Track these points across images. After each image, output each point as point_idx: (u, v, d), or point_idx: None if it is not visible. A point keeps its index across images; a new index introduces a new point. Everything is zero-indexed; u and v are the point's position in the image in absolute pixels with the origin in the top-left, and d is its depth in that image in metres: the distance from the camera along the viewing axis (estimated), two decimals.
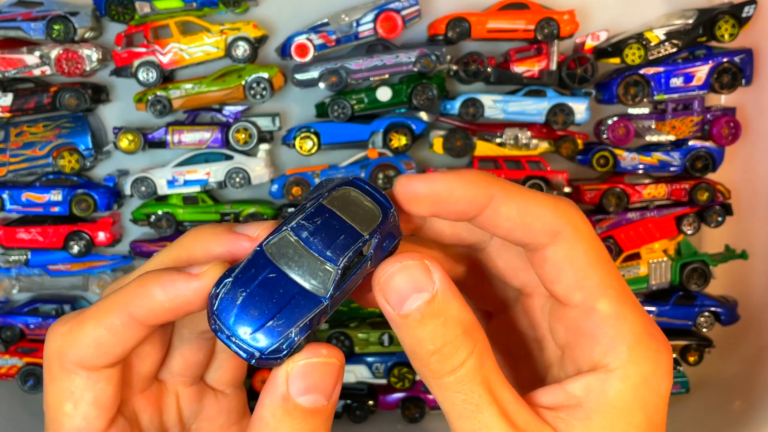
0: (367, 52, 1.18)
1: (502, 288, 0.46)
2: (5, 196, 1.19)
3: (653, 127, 1.21)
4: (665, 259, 1.22)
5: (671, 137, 1.21)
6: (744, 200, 1.23)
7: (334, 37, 1.17)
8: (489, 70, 1.17)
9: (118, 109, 1.24)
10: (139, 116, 1.21)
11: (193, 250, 0.41)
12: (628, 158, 1.21)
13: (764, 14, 1.16)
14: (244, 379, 0.49)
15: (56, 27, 1.13)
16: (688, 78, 1.18)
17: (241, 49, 1.16)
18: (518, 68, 1.18)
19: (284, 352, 0.36)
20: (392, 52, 1.17)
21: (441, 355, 0.36)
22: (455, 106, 1.18)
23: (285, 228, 0.38)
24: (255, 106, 1.23)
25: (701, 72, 1.18)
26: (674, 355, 1.24)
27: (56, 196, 1.20)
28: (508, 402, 0.37)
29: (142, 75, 1.16)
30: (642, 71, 1.17)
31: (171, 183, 1.20)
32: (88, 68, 1.14)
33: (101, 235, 1.20)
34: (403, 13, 1.16)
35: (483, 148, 1.20)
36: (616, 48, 1.17)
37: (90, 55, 1.14)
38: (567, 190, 1.22)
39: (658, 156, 1.22)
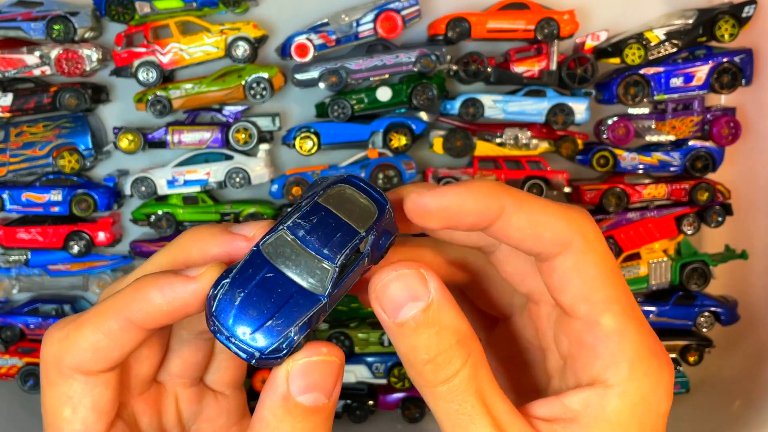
0: (367, 52, 1.18)
1: (509, 293, 0.46)
2: (5, 196, 1.19)
3: (653, 127, 1.21)
4: (665, 259, 1.22)
5: (671, 137, 1.21)
6: (744, 200, 1.23)
7: (334, 37, 1.17)
8: (489, 70, 1.17)
9: (118, 109, 1.24)
10: (139, 116, 1.21)
11: (189, 251, 0.41)
12: (628, 158, 1.21)
13: (764, 14, 1.16)
14: (243, 380, 0.49)
15: (56, 27, 1.13)
16: (688, 78, 1.18)
17: (241, 49, 1.16)
18: (518, 68, 1.18)
19: (284, 352, 0.36)
20: (392, 52, 1.17)
21: (435, 364, 0.36)
22: (455, 106, 1.18)
23: (281, 227, 0.38)
24: (255, 106, 1.23)
25: (701, 72, 1.18)
26: (674, 355, 1.24)
27: (56, 196, 1.20)
28: (502, 413, 0.37)
29: (142, 75, 1.16)
30: (642, 71, 1.17)
31: (171, 183, 1.20)
32: (88, 68, 1.14)
33: (101, 235, 1.20)
34: (403, 13, 1.16)
35: (483, 148, 1.20)
36: (616, 48, 1.17)
37: (90, 55, 1.14)
38: (567, 190, 1.22)
39: (658, 156, 1.22)
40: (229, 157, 1.21)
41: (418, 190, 0.38)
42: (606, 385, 0.37)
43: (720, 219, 1.22)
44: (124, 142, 1.18)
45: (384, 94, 1.19)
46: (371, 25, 1.16)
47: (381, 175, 1.19)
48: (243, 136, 1.19)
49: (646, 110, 1.22)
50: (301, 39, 1.16)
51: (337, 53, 1.19)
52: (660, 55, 1.17)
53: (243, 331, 0.36)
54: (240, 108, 1.20)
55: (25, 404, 1.21)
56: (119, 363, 0.40)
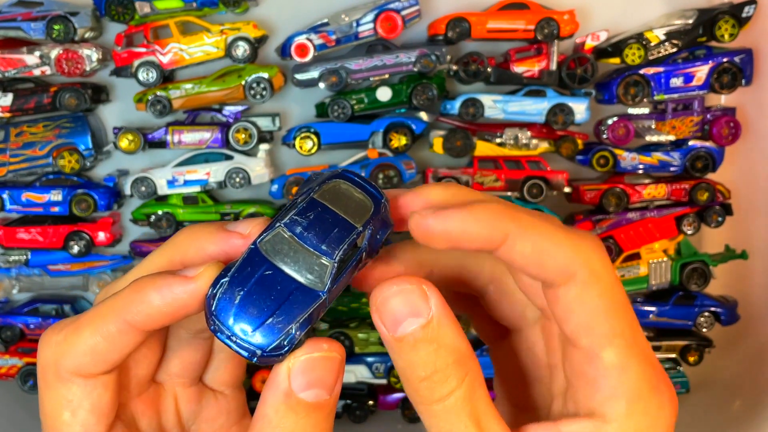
0: (367, 52, 1.18)
1: (523, 305, 0.45)
2: (5, 196, 1.19)
3: (653, 127, 1.21)
4: (665, 259, 1.22)
5: (671, 137, 1.21)
6: (744, 200, 1.23)
7: (334, 37, 1.17)
8: (489, 70, 1.17)
9: (118, 109, 1.24)
10: (139, 116, 1.21)
11: (185, 250, 0.41)
12: (628, 158, 1.21)
13: (764, 14, 1.16)
14: (243, 379, 0.49)
15: (56, 27, 1.13)
16: (688, 78, 1.18)
17: (241, 49, 1.16)
18: (518, 68, 1.18)
19: (285, 349, 0.36)
20: (392, 52, 1.17)
21: (431, 382, 0.36)
22: (455, 106, 1.18)
23: (278, 224, 0.38)
24: (255, 106, 1.23)
25: (701, 72, 1.18)
26: (674, 355, 1.24)
27: (56, 196, 1.20)
28: None
29: (142, 75, 1.16)
30: (642, 71, 1.17)
31: (171, 183, 1.20)
32: (88, 68, 1.14)
33: (101, 235, 1.20)
34: (403, 13, 1.16)
35: (483, 148, 1.20)
36: (616, 48, 1.17)
37: (90, 55, 1.14)
38: (567, 190, 1.22)
39: (658, 156, 1.22)
40: (229, 157, 1.21)
41: (421, 212, 0.37)
42: (604, 420, 0.37)
43: (720, 219, 1.22)
44: (124, 142, 1.18)
45: (384, 94, 1.19)
46: (371, 25, 1.16)
47: (381, 175, 1.19)
48: (243, 136, 1.19)
49: (646, 110, 1.22)
50: (301, 39, 1.16)
51: (337, 53, 1.19)
52: (660, 55, 1.17)
53: (244, 330, 0.36)
54: (240, 108, 1.21)
55: (25, 404, 1.21)
56: (118, 365, 0.40)
